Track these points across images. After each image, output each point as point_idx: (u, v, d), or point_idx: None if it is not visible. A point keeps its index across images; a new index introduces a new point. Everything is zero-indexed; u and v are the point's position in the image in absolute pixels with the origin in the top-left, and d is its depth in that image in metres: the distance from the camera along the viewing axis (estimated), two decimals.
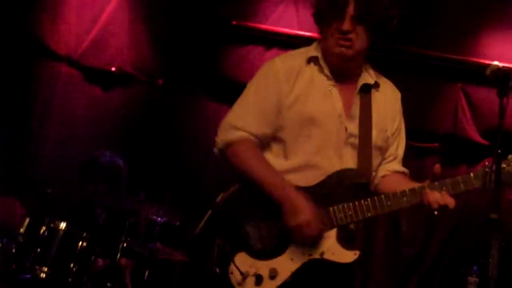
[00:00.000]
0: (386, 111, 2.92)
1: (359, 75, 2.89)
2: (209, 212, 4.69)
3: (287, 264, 2.65)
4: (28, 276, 4.52)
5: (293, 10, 6.25)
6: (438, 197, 2.61)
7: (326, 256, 2.63)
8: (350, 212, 2.65)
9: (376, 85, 2.92)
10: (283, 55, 3.00)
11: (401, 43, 5.81)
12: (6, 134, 6.29)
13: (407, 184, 2.72)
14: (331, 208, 2.67)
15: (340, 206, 2.66)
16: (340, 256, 2.62)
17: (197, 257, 5.39)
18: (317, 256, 2.64)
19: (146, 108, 6.52)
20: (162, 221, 5.16)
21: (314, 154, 2.75)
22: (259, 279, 2.64)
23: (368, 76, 2.90)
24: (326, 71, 2.83)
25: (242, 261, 2.68)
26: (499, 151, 2.48)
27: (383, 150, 2.90)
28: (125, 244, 4.81)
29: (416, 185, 2.69)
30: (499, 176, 2.50)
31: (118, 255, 4.77)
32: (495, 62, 2.66)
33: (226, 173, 6.01)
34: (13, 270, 4.51)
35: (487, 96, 5.67)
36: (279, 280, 2.64)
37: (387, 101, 2.94)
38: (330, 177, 2.72)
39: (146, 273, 4.96)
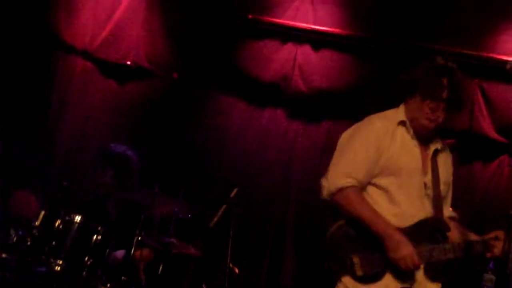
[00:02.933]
0: (446, 169, 3.54)
1: (432, 139, 3.52)
2: (224, 206, 4.73)
3: None
4: (43, 268, 4.54)
5: (309, 5, 6.23)
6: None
7: (415, 286, 3.23)
8: (435, 253, 3.25)
9: (441, 150, 3.55)
10: (377, 115, 3.53)
11: (419, 39, 5.79)
12: (23, 128, 6.32)
13: (466, 232, 3.49)
14: (421, 248, 3.23)
15: (429, 247, 3.26)
16: (425, 287, 3.25)
17: (211, 251, 5.42)
18: (407, 285, 3.23)
19: (161, 101, 6.52)
20: (176, 215, 5.16)
21: (405, 202, 3.34)
22: None
23: (437, 142, 3.52)
24: (412, 133, 3.43)
25: (347, 283, 3.26)
26: None
27: (445, 201, 3.55)
28: (139, 238, 4.82)
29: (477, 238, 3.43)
30: None
31: (133, 249, 4.77)
32: None
33: (240, 168, 6.09)
34: (28, 263, 4.53)
35: (504, 93, 5.63)
36: None
37: (446, 161, 3.58)
38: (419, 222, 3.31)
39: (160, 267, 4.96)
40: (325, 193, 3.37)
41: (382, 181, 3.37)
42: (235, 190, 4.65)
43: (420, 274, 3.23)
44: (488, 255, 3.38)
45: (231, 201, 4.54)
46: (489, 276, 4.55)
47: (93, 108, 6.63)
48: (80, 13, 6.61)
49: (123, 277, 4.73)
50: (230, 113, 6.46)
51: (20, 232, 4.68)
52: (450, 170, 3.62)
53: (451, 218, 3.57)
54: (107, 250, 4.75)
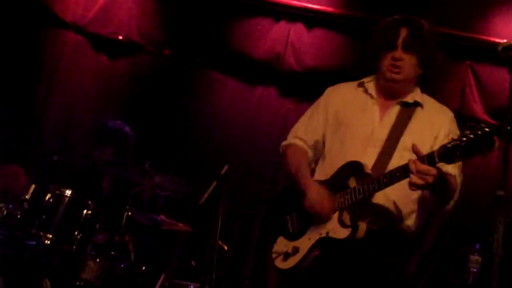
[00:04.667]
0: (429, 128, 3.22)
1: (404, 96, 3.28)
2: (214, 183, 4.73)
3: (305, 242, 3.19)
4: (33, 242, 4.55)
5: None
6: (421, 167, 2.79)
7: (330, 234, 3.10)
8: (347, 197, 3.07)
9: (418, 104, 3.28)
10: (339, 84, 3.51)
11: None
12: (13, 101, 6.29)
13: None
14: (337, 195, 3.13)
15: (342, 192, 3.11)
16: (338, 233, 3.08)
17: (201, 228, 5.44)
18: (324, 234, 3.12)
19: (152, 78, 6.50)
20: (166, 192, 5.17)
21: (340, 155, 3.22)
22: (286, 255, 3.24)
23: (409, 97, 3.28)
24: (371, 91, 3.31)
25: (281, 243, 3.30)
26: (508, 128, 2.46)
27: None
28: (129, 213, 4.83)
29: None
30: (507, 154, 2.49)
31: (122, 223, 4.79)
32: (505, 40, 2.64)
33: (231, 146, 6.09)
34: (18, 236, 4.53)
35: (496, 75, 5.63)
36: (298, 256, 3.19)
37: (432, 121, 3.25)
38: (339, 169, 3.18)
39: (150, 243, 4.98)
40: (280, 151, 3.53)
41: (327, 141, 3.37)
42: (226, 167, 4.64)
43: (334, 222, 3.10)
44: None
45: (221, 178, 4.53)
46: (475, 258, 4.61)
47: (84, 83, 6.60)
48: None
49: (112, 252, 4.75)
50: (221, 91, 6.45)
51: (10, 206, 4.69)
52: (439, 129, 3.22)
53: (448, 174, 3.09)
54: (97, 225, 4.77)
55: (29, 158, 5.94)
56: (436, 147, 2.92)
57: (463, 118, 5.77)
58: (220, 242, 4.43)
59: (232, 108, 6.38)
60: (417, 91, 3.34)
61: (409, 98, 3.28)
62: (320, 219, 3.14)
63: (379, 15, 5.90)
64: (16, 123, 6.23)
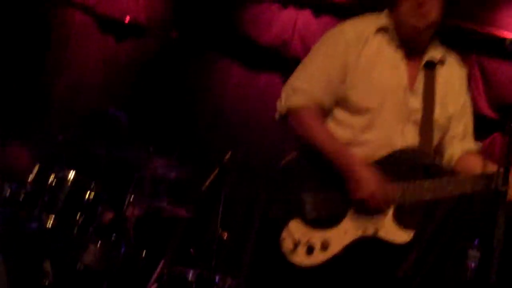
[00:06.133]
0: (450, 88, 2.85)
1: (426, 49, 2.83)
2: (217, 169, 4.75)
3: (340, 236, 2.58)
4: (35, 224, 4.58)
5: None
6: None
7: (380, 234, 2.56)
8: (410, 192, 2.57)
9: (442, 61, 2.86)
10: (352, 20, 2.87)
11: None
12: (19, 81, 6.30)
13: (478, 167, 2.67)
14: (397, 185, 2.58)
15: (402, 185, 2.58)
16: (394, 235, 2.55)
17: (202, 214, 5.45)
18: (370, 233, 2.57)
19: (159, 61, 6.50)
20: (169, 176, 5.19)
21: (377, 128, 2.70)
22: (310, 249, 2.58)
23: (434, 52, 2.84)
24: (396, 42, 2.79)
25: (296, 228, 2.60)
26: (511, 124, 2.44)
27: (444, 128, 2.83)
28: (131, 198, 4.85)
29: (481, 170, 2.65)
30: (510, 151, 2.44)
31: (124, 207, 4.81)
32: None
33: (235, 132, 6.09)
34: (20, 217, 4.56)
35: (501, 69, 5.61)
36: (330, 253, 2.58)
37: (452, 77, 2.88)
38: (394, 154, 2.65)
39: (150, 228, 5.01)
40: (277, 115, 2.84)
41: (350, 102, 2.72)
42: (228, 154, 4.65)
43: (388, 219, 2.56)
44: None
45: (224, 164, 4.54)
46: (474, 253, 4.61)
47: (90, 64, 6.61)
48: None
49: (113, 236, 4.78)
50: (227, 76, 6.45)
51: (14, 186, 4.71)
52: (459, 91, 2.90)
53: (469, 152, 2.86)
54: (99, 208, 4.79)
55: (34, 137, 5.95)
56: (459, 108, 2.80)
57: None
58: (220, 230, 4.44)
59: (236, 93, 6.38)
60: (437, 42, 2.89)
61: (434, 55, 2.82)
62: (369, 211, 2.56)
63: (387, 2, 5.96)
64: (22, 102, 6.25)
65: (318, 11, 6.21)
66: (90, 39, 6.63)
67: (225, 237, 4.69)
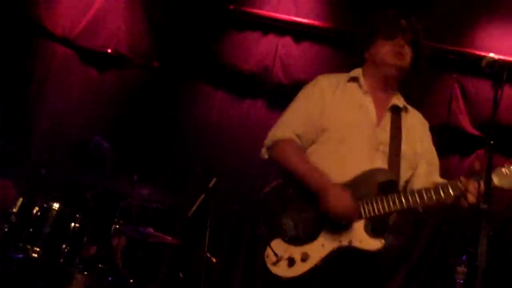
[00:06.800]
0: (415, 131, 3.22)
1: (392, 96, 3.23)
2: (202, 196, 4.74)
3: (318, 249, 2.91)
4: (20, 255, 4.53)
5: None
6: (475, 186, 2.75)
7: (353, 244, 2.87)
8: (377, 206, 2.89)
9: (405, 109, 3.24)
10: (327, 74, 3.35)
11: None
12: (1, 113, 6.27)
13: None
14: (360, 201, 2.92)
15: (369, 200, 2.91)
16: (366, 243, 2.87)
17: (189, 240, 5.43)
18: (345, 243, 2.89)
19: (141, 91, 6.51)
20: (154, 204, 5.17)
21: (349, 156, 3.05)
22: (291, 261, 2.90)
23: (398, 100, 3.23)
24: (365, 88, 3.19)
25: (278, 246, 2.94)
26: (491, 142, 2.50)
27: (413, 163, 3.16)
28: (117, 226, 4.82)
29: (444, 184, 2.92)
30: (490, 167, 2.53)
31: (111, 236, 4.78)
32: (491, 54, 2.68)
33: (219, 158, 6.10)
34: (5, 249, 4.51)
35: (482, 88, 5.69)
36: (309, 264, 2.89)
37: (416, 124, 3.26)
38: (362, 174, 2.99)
39: (138, 255, 4.97)
40: (263, 150, 3.20)
41: (325, 137, 3.10)
42: (214, 180, 4.66)
43: (360, 231, 2.88)
44: (463, 202, 2.84)
45: (209, 191, 4.55)
46: (462, 269, 4.62)
47: (72, 96, 6.60)
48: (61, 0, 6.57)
49: (100, 265, 4.74)
50: (210, 103, 6.47)
51: None
52: (422, 136, 3.25)
53: (435, 183, 3.09)
54: (85, 238, 4.76)
55: (16, 171, 5.91)
56: (424, 150, 3.17)
57: (450, 130, 5.86)
58: (208, 255, 4.43)
59: (220, 120, 6.39)
60: (400, 94, 3.29)
61: (399, 102, 3.22)
62: (340, 226, 2.89)
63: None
64: (4, 136, 6.21)
65: (298, 38, 6.27)
66: (72, 71, 6.63)
67: (213, 262, 4.68)
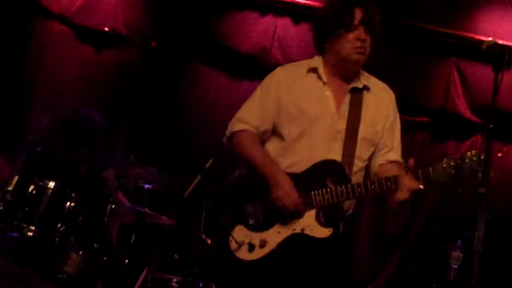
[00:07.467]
0: (377, 109, 3.28)
1: (352, 80, 3.28)
2: (198, 177, 4.73)
3: (274, 236, 3.12)
4: (15, 234, 4.53)
5: None
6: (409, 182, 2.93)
7: (306, 232, 3.08)
8: (327, 196, 3.06)
9: (366, 88, 3.28)
10: (286, 65, 3.50)
11: (396, 15, 5.78)
12: None
13: (393, 173, 3.07)
14: (312, 192, 3.09)
15: (320, 190, 3.08)
16: (317, 232, 3.07)
17: (184, 221, 5.43)
18: (298, 231, 3.09)
19: (138, 70, 6.48)
20: (150, 185, 5.16)
21: (306, 149, 3.18)
22: (251, 247, 3.14)
23: (358, 81, 3.28)
24: (324, 78, 3.24)
25: (240, 232, 3.18)
26: (491, 126, 2.48)
27: (373, 142, 3.26)
28: (113, 206, 4.82)
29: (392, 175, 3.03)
30: (489, 152, 2.52)
31: (105, 218, 4.78)
32: (490, 39, 2.67)
33: (216, 139, 6.07)
34: (0, 228, 4.51)
35: (480, 73, 5.66)
36: (267, 249, 3.12)
37: (378, 101, 3.31)
38: (314, 166, 3.14)
39: (133, 236, 4.98)
40: (224, 140, 3.39)
41: (284, 129, 3.23)
42: (210, 161, 4.64)
43: (311, 220, 3.07)
44: (393, 199, 2.98)
45: (206, 172, 4.53)
46: (457, 254, 4.64)
47: (69, 74, 6.57)
48: None
49: (95, 245, 4.74)
50: (207, 84, 6.44)
51: None
52: (387, 111, 3.31)
53: (391, 161, 3.28)
54: (80, 218, 4.75)
55: (13, 148, 5.90)
56: (387, 126, 3.24)
57: (447, 115, 5.84)
58: (203, 236, 4.43)
59: (218, 101, 6.37)
60: (362, 72, 3.32)
61: (359, 83, 3.26)
62: (291, 214, 3.09)
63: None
64: (1, 113, 6.19)
65: (297, 18, 6.23)
66: (69, 49, 6.60)
67: (208, 243, 4.67)
